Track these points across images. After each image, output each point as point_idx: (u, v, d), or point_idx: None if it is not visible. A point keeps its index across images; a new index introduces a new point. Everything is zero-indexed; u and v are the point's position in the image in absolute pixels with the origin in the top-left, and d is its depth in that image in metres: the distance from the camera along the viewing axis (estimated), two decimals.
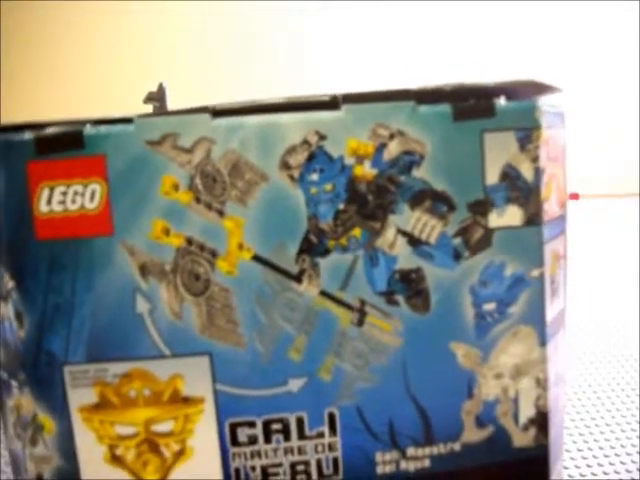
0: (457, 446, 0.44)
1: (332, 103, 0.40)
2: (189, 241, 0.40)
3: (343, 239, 0.41)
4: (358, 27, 4.12)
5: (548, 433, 0.45)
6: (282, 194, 0.40)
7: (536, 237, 0.43)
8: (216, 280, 0.40)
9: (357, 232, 0.41)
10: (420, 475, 0.44)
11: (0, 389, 0.43)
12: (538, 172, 0.42)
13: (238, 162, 0.40)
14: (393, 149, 0.41)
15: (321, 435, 0.43)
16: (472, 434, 0.44)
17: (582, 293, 1.45)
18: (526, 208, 0.42)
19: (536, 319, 0.44)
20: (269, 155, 0.40)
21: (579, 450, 0.68)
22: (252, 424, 0.42)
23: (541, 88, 0.42)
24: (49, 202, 0.39)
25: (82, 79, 4.13)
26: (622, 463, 0.65)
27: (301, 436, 0.42)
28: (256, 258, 0.41)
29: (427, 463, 0.44)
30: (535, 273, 0.43)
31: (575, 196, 4.12)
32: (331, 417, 0.42)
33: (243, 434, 0.42)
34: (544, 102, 0.42)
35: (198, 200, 0.40)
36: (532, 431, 0.45)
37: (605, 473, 0.63)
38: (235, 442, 0.42)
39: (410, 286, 0.42)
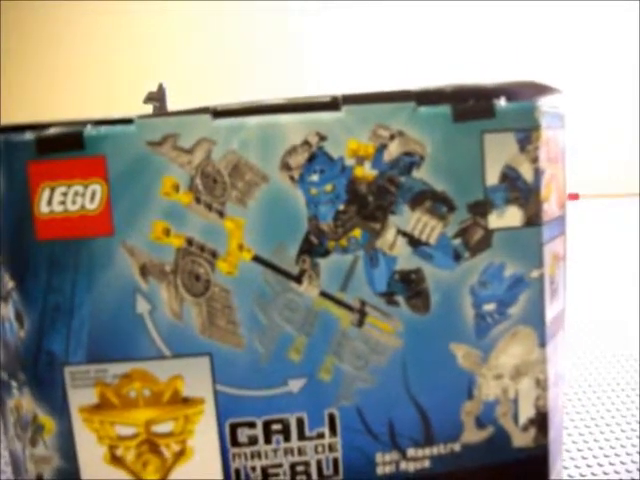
0: (457, 446, 0.44)
1: (332, 104, 0.40)
2: (189, 242, 0.40)
3: (343, 240, 0.41)
4: (358, 27, 4.12)
5: (548, 433, 0.45)
6: (282, 195, 0.40)
7: (536, 238, 0.43)
8: (216, 281, 0.40)
9: (357, 233, 0.41)
10: (420, 476, 0.44)
11: (0, 389, 0.43)
12: (538, 173, 0.42)
13: (238, 163, 0.40)
14: (393, 150, 0.41)
15: (321, 436, 0.43)
16: (472, 434, 0.44)
17: (582, 293, 1.45)
18: (526, 209, 0.42)
19: (536, 320, 0.44)
20: (269, 156, 0.40)
21: (579, 450, 0.68)
22: (252, 425, 0.42)
23: (541, 89, 0.42)
24: (49, 202, 0.39)
25: (82, 79, 4.13)
26: (622, 463, 0.65)
27: (301, 437, 0.42)
28: (256, 259, 0.41)
29: (427, 464, 0.44)
30: (535, 274, 0.43)
31: (575, 196, 4.12)
32: (331, 418, 0.42)
33: (243, 435, 0.42)
34: (544, 103, 0.42)
35: (198, 201, 0.40)
36: (532, 431, 0.45)
37: (605, 473, 0.63)
38: (235, 443, 0.42)
39: (410, 287, 0.42)
